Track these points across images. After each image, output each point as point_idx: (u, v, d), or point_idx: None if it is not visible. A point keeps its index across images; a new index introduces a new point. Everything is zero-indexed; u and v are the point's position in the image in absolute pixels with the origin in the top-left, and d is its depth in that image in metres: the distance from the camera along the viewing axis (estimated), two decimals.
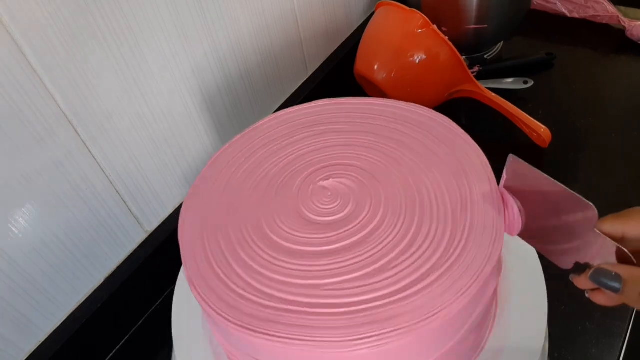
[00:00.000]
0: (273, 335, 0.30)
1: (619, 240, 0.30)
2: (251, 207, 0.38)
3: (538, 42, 0.81)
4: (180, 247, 0.37)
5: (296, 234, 0.36)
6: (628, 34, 0.77)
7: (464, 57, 0.73)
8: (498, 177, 0.36)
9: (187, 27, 0.52)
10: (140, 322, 0.54)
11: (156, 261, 0.54)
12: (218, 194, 0.40)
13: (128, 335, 0.53)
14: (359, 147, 0.41)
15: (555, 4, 0.84)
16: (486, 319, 0.37)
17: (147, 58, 0.48)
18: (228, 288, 0.33)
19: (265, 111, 0.68)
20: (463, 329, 0.33)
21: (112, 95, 0.46)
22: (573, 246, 0.33)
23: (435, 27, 0.61)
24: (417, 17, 0.62)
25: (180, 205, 0.42)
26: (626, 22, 0.78)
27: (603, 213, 0.31)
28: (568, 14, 0.83)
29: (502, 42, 0.81)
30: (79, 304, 0.50)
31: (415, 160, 0.39)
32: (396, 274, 0.32)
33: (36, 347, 0.47)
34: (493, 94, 0.65)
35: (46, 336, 0.47)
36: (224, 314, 0.32)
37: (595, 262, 0.31)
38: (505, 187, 0.35)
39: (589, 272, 0.30)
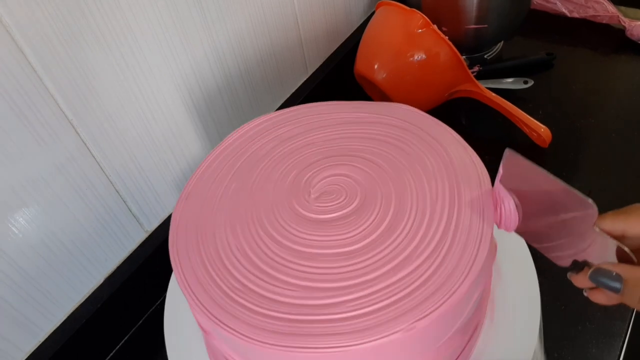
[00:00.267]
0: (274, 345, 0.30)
1: (619, 238, 0.30)
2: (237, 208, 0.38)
3: (538, 42, 0.81)
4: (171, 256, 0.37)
5: (294, 234, 0.36)
6: (628, 34, 0.77)
7: (464, 57, 0.73)
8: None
9: (187, 27, 0.52)
10: (141, 322, 0.54)
11: (156, 261, 0.54)
12: (214, 197, 0.40)
13: (128, 335, 0.53)
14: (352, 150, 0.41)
15: (555, 4, 0.84)
16: (472, 325, 0.37)
17: (147, 58, 0.48)
18: (215, 285, 0.33)
19: (265, 111, 0.68)
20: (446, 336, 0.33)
21: (112, 95, 0.46)
22: (571, 243, 0.32)
23: (435, 27, 0.61)
24: (417, 17, 0.62)
25: None
26: (626, 22, 0.78)
27: (603, 213, 0.30)
28: (568, 14, 0.83)
29: (502, 42, 0.81)
30: (79, 304, 0.50)
31: (406, 163, 0.39)
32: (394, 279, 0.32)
33: (36, 347, 0.47)
34: (493, 94, 0.65)
35: (46, 336, 0.47)
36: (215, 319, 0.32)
37: (594, 260, 0.31)
38: (502, 182, 0.34)
39: (589, 272, 0.30)
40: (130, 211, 0.52)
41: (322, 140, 0.43)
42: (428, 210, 0.35)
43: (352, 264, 0.33)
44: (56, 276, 0.47)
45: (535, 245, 0.35)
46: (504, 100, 0.65)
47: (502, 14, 0.72)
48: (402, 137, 0.41)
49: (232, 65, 0.59)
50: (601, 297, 0.31)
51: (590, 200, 0.29)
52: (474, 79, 0.65)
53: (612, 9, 0.80)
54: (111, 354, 0.52)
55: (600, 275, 0.29)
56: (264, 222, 0.37)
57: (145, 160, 0.52)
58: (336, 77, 0.76)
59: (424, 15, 0.62)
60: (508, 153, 0.33)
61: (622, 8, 0.82)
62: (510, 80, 0.72)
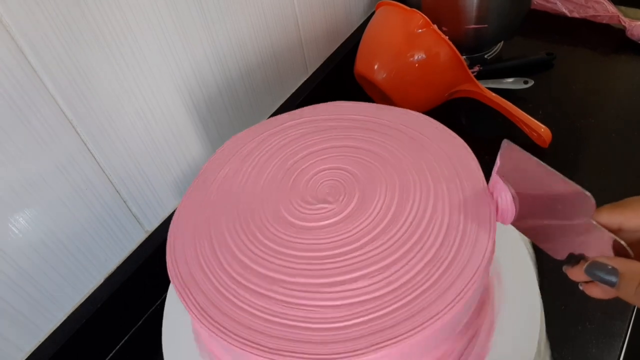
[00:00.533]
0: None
1: (616, 231, 0.29)
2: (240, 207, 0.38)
3: (538, 42, 0.81)
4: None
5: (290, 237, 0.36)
6: (628, 34, 0.77)
7: (464, 57, 0.73)
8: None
9: (187, 27, 0.52)
10: (141, 322, 0.54)
11: (156, 261, 0.54)
12: (212, 198, 0.40)
13: (128, 335, 0.53)
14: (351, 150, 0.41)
15: (555, 3, 0.84)
16: (473, 326, 0.37)
17: (147, 58, 0.48)
18: (214, 287, 0.34)
19: (266, 111, 0.68)
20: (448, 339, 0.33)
21: (112, 95, 0.46)
22: (568, 236, 0.31)
23: (435, 27, 0.61)
24: (417, 17, 0.62)
25: None
26: (626, 22, 0.78)
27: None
28: (568, 14, 0.83)
29: (502, 42, 0.81)
30: (79, 304, 0.50)
31: (406, 162, 0.39)
32: (391, 278, 0.32)
33: (36, 347, 0.47)
34: (493, 94, 0.65)
35: (46, 336, 0.47)
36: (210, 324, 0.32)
37: (591, 254, 0.30)
38: (499, 173, 0.34)
39: (585, 265, 0.29)
40: (131, 211, 0.52)
41: (322, 141, 0.43)
42: (427, 214, 0.35)
43: (352, 263, 0.33)
44: (56, 276, 0.47)
45: (532, 238, 0.35)
46: (504, 100, 0.65)
47: (502, 14, 0.72)
48: (399, 139, 0.41)
49: (232, 65, 0.59)
50: (597, 291, 0.31)
51: (587, 193, 0.29)
52: (474, 79, 0.65)
53: (612, 9, 0.80)
54: (111, 354, 0.52)
55: (596, 269, 0.29)
56: (260, 226, 0.37)
57: (145, 160, 0.52)
58: (336, 78, 0.76)
59: (424, 15, 0.62)
60: (506, 144, 0.32)
61: (622, 8, 0.82)
62: (510, 80, 0.72)
